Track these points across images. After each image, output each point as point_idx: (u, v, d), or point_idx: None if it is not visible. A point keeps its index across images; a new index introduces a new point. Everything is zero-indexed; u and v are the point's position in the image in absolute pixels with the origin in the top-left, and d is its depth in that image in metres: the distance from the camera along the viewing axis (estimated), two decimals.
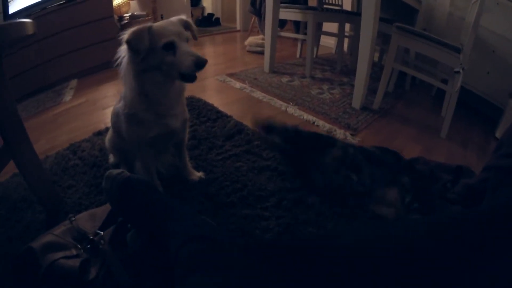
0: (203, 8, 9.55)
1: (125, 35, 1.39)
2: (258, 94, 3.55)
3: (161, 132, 1.62)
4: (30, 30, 1.37)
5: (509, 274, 0.77)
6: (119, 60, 1.51)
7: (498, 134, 3.15)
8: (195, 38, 1.57)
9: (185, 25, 1.53)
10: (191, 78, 1.45)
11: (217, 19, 9.16)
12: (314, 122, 2.92)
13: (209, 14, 9.27)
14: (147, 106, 1.55)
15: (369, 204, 1.72)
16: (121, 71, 1.53)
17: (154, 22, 3.28)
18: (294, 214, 1.72)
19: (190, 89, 3.43)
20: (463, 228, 0.91)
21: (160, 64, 1.43)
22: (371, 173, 1.79)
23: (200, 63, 1.39)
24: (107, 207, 1.56)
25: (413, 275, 0.86)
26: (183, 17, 1.55)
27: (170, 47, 1.40)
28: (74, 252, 1.31)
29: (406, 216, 1.66)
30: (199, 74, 1.45)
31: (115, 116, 1.75)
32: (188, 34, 1.49)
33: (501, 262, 0.79)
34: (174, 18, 1.52)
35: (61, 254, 1.28)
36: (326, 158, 1.89)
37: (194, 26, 1.58)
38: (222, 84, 3.89)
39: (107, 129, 2.47)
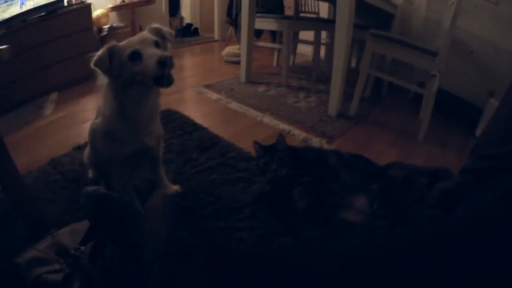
0: (181, 18, 9.52)
1: (92, 59, 1.42)
2: (234, 105, 3.59)
3: (136, 149, 1.65)
4: (6, 57, 1.43)
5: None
6: (99, 81, 1.54)
7: (478, 133, 3.21)
8: (169, 40, 1.62)
9: (157, 32, 1.56)
10: (164, 81, 1.44)
11: (196, 29, 9.17)
12: (290, 131, 2.97)
13: (187, 24, 9.26)
14: (123, 124, 1.57)
15: (339, 212, 1.76)
16: (103, 90, 1.56)
17: (133, 34, 3.33)
18: (268, 224, 1.77)
19: (167, 102, 3.45)
20: (433, 242, 0.95)
21: (134, 76, 1.44)
22: (344, 180, 1.84)
23: (163, 60, 1.37)
24: (87, 222, 1.58)
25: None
26: (153, 25, 1.58)
27: (136, 56, 1.41)
28: (57, 266, 1.35)
29: (373, 224, 1.68)
30: (178, 86, 1.49)
31: (92, 132, 1.78)
32: (157, 39, 1.50)
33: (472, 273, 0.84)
34: (144, 31, 1.56)
35: (44, 269, 1.32)
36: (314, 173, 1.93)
37: (165, 30, 1.60)
38: (199, 96, 3.92)
39: (86, 143, 2.48)
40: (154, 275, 1.11)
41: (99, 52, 1.42)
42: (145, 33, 1.53)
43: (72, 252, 1.41)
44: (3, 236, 1.70)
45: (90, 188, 1.48)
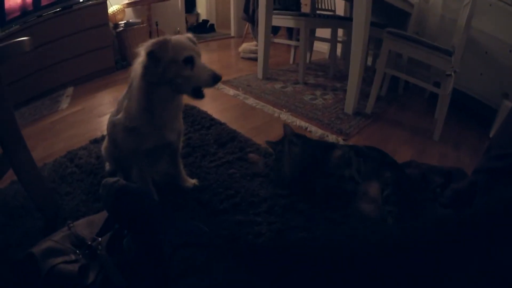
0: (197, 15, 9.57)
1: (145, 46, 1.43)
2: (251, 101, 3.58)
3: (157, 144, 1.66)
4: (27, 48, 1.42)
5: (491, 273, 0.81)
6: (132, 75, 1.54)
7: (491, 134, 3.16)
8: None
9: (193, 42, 1.56)
10: (201, 95, 1.52)
11: (212, 25, 9.16)
12: (306, 128, 2.96)
13: (203, 20, 9.27)
14: (148, 121, 1.57)
15: (353, 201, 1.75)
16: (132, 85, 1.55)
17: (149, 30, 3.29)
18: (285, 219, 1.75)
19: (185, 97, 3.39)
20: (446, 228, 0.94)
21: (175, 78, 1.46)
22: (358, 168, 1.82)
23: (217, 78, 1.47)
24: (104, 214, 1.59)
25: (396, 273, 0.89)
26: (190, 35, 1.59)
27: (189, 61, 1.44)
28: (73, 257, 1.35)
29: (384, 210, 1.68)
30: None
31: (112, 125, 1.78)
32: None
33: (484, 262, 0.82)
34: (183, 36, 1.55)
35: (60, 259, 1.31)
36: (328, 162, 1.91)
37: (197, 43, 1.60)
38: (216, 92, 3.90)
39: (103, 137, 2.51)
40: (172, 265, 1.09)
41: (159, 40, 1.43)
42: (187, 40, 1.54)
43: (89, 243, 1.41)
44: (18, 227, 1.70)
45: (110, 180, 1.49)
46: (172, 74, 1.45)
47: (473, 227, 0.90)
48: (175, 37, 1.47)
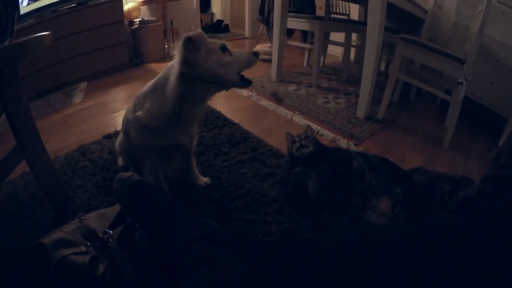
0: (212, 15, 9.57)
1: (181, 40, 1.40)
2: (264, 102, 3.59)
3: (169, 144, 1.65)
4: (48, 42, 1.44)
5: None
6: (161, 77, 1.56)
7: (500, 143, 3.16)
8: None
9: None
10: (249, 81, 1.51)
11: (226, 25, 9.18)
12: (318, 131, 2.96)
13: (218, 20, 9.29)
14: (169, 124, 1.57)
15: (363, 213, 1.75)
16: (161, 87, 1.54)
17: (164, 28, 3.31)
18: (295, 220, 1.76)
19: None
20: (451, 230, 0.93)
21: (217, 69, 1.44)
22: (369, 182, 1.82)
23: (256, 53, 1.49)
24: (115, 208, 1.61)
25: (403, 271, 0.89)
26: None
27: (225, 48, 1.45)
28: (83, 249, 1.36)
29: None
30: None
31: (126, 121, 1.79)
32: None
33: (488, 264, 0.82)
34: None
35: (70, 250, 1.33)
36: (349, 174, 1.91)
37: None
38: (230, 92, 3.83)
39: (116, 132, 2.55)
40: (184, 260, 1.10)
41: (192, 32, 1.42)
42: None
43: (100, 235, 1.42)
44: (28, 218, 1.71)
45: (125, 174, 1.51)
46: (213, 64, 1.43)
47: (478, 231, 0.90)
48: (194, 32, 1.44)
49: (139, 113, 1.62)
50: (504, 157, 1.56)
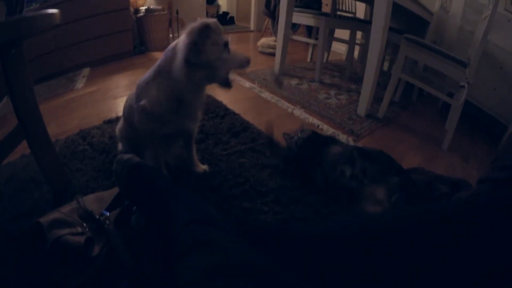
0: (218, 6, 9.59)
1: (190, 28, 1.45)
2: (266, 95, 3.61)
3: (176, 130, 1.68)
4: (57, 20, 1.45)
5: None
6: (163, 61, 1.56)
7: (499, 146, 3.14)
8: None
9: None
10: (230, 84, 1.55)
11: (232, 18, 9.22)
12: (318, 126, 2.98)
13: (224, 12, 9.34)
14: (174, 110, 1.59)
15: (359, 201, 1.77)
16: (164, 72, 1.55)
17: (169, 17, 3.30)
18: (291, 211, 1.78)
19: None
20: (441, 214, 0.97)
21: (216, 60, 1.48)
22: (363, 168, 1.83)
23: (249, 60, 1.56)
24: (113, 191, 1.63)
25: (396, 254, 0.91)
26: (216, 21, 1.55)
27: (227, 45, 1.49)
28: (79, 229, 1.38)
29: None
30: None
31: (129, 108, 1.80)
32: None
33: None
34: (214, 20, 1.55)
35: (67, 230, 1.34)
36: (327, 154, 1.94)
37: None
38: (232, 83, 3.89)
39: (117, 118, 2.55)
40: (179, 242, 1.11)
41: (202, 23, 1.45)
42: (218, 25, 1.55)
43: (97, 217, 1.44)
44: (27, 199, 1.72)
45: (125, 156, 1.54)
46: (214, 56, 1.47)
47: (469, 216, 0.93)
48: (211, 20, 1.49)
49: (144, 101, 1.62)
50: (501, 159, 1.56)
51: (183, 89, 1.54)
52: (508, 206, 0.91)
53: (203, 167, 2.05)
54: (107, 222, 1.42)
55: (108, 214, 1.47)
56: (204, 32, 1.43)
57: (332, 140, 2.12)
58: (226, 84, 1.54)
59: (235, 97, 3.45)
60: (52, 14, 1.41)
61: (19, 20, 1.27)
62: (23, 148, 1.62)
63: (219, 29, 1.48)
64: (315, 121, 3.06)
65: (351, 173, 1.83)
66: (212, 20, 1.47)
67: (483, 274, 0.81)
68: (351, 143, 2.69)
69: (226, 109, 2.97)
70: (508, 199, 0.95)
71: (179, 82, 1.52)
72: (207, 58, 1.46)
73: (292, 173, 2.07)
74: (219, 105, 3.04)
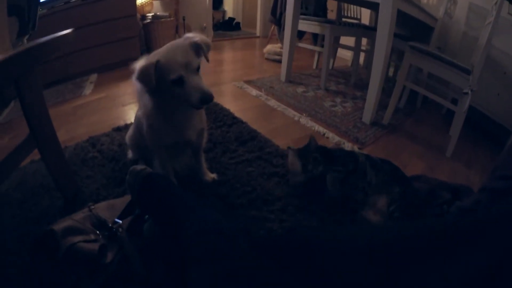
0: (224, 12, 9.63)
1: (136, 70, 1.43)
2: (273, 103, 3.62)
3: (176, 140, 1.70)
4: (72, 39, 1.48)
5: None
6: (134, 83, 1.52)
7: (499, 156, 3.14)
8: (207, 59, 1.58)
9: (196, 46, 1.53)
10: (198, 108, 1.52)
11: (238, 23, 9.24)
12: (324, 134, 2.99)
13: (230, 18, 9.36)
14: (163, 120, 1.62)
15: (362, 210, 1.79)
16: (137, 90, 1.59)
17: (176, 24, 3.33)
18: (297, 219, 1.80)
19: None
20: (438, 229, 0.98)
21: (173, 95, 1.46)
22: (370, 180, 1.86)
23: (206, 99, 1.42)
24: (125, 199, 1.66)
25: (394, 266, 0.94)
26: (195, 38, 1.53)
27: (179, 81, 1.42)
28: (92, 237, 1.40)
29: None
30: (219, 79, 1.51)
31: (138, 119, 1.85)
32: (197, 60, 1.50)
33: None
34: (183, 41, 1.53)
35: (80, 238, 1.37)
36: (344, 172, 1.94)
37: (205, 47, 1.56)
38: (239, 90, 3.97)
39: (126, 126, 2.60)
40: (191, 249, 1.14)
41: (144, 66, 1.42)
42: (184, 47, 1.49)
43: (110, 225, 1.46)
44: (37, 205, 1.75)
45: (138, 167, 1.57)
46: (165, 91, 1.46)
47: (456, 235, 0.94)
48: (165, 55, 1.45)
49: (140, 112, 1.72)
50: (501, 169, 1.58)
51: (163, 108, 1.58)
52: (503, 219, 0.93)
53: (212, 175, 2.07)
54: (120, 230, 1.45)
55: (121, 222, 1.50)
56: (141, 80, 1.43)
57: (340, 151, 2.13)
58: (196, 108, 1.53)
59: (242, 105, 3.48)
60: (67, 34, 1.46)
61: (34, 48, 1.30)
62: (32, 153, 1.62)
63: (167, 66, 1.42)
64: (321, 129, 3.07)
65: (361, 184, 1.85)
66: (156, 59, 1.42)
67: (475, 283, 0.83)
68: (356, 151, 2.68)
69: (234, 117, 3.00)
70: (504, 212, 0.97)
71: (152, 109, 1.59)
72: (161, 91, 1.47)
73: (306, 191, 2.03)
74: (226, 113, 3.06)
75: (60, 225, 1.40)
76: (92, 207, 1.55)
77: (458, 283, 0.84)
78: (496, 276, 0.81)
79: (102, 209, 1.58)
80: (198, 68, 1.49)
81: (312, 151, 2.03)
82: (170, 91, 1.45)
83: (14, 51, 1.19)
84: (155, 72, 1.40)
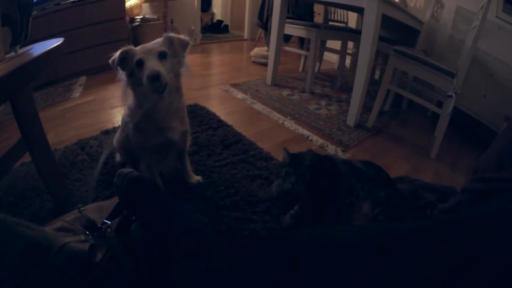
0: (212, 14, 9.62)
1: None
2: (258, 106, 3.66)
3: (161, 141, 1.75)
4: (64, 51, 1.56)
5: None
6: (119, 76, 1.67)
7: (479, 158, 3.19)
8: (181, 50, 1.68)
9: (169, 41, 1.64)
10: (154, 90, 1.53)
11: (226, 26, 9.22)
12: (308, 137, 3.03)
13: (218, 20, 9.33)
14: (145, 118, 1.68)
15: (348, 214, 1.82)
16: (122, 84, 1.67)
17: (165, 26, 3.40)
18: (279, 220, 1.85)
19: (195, 96, 3.58)
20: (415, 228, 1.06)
21: (140, 79, 1.54)
22: (357, 192, 1.87)
23: (150, 76, 1.47)
24: (113, 201, 1.71)
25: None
26: (168, 34, 1.65)
27: (140, 64, 1.53)
28: (82, 237, 1.45)
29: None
30: (206, 82, 1.56)
31: (124, 121, 1.91)
32: (165, 49, 1.59)
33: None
34: (160, 38, 1.65)
35: (71, 238, 1.41)
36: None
37: (176, 38, 1.66)
38: (225, 94, 4.00)
39: (114, 129, 2.65)
40: (175, 250, 1.21)
41: (117, 53, 1.57)
42: (157, 41, 1.64)
43: (99, 226, 1.51)
44: (28, 208, 1.80)
45: (125, 170, 1.62)
46: (136, 76, 1.56)
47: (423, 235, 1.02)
48: (140, 46, 1.60)
49: (125, 114, 1.81)
50: (481, 171, 1.64)
51: (139, 98, 1.67)
52: (482, 221, 0.99)
53: (197, 178, 2.13)
54: (109, 230, 1.49)
55: (109, 223, 1.54)
56: (114, 56, 1.57)
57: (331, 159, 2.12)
58: (153, 91, 1.54)
59: (228, 108, 3.52)
60: (61, 45, 1.53)
61: (30, 63, 1.36)
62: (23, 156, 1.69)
63: (136, 51, 1.56)
64: (305, 132, 3.12)
65: (349, 201, 1.88)
66: (129, 47, 1.58)
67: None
68: (339, 153, 2.77)
69: (219, 120, 3.04)
70: (484, 214, 1.03)
71: (133, 97, 1.70)
72: (136, 79, 1.57)
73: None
74: (212, 117, 3.10)
75: (52, 226, 1.46)
76: (82, 208, 1.59)
77: (417, 281, 0.91)
78: (454, 277, 0.87)
79: (92, 210, 1.63)
80: (163, 55, 1.58)
81: (303, 165, 1.97)
82: (138, 76, 1.55)
83: (8, 69, 1.24)
84: (127, 57, 1.57)
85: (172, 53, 1.64)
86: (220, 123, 2.98)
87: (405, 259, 0.96)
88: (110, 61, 1.58)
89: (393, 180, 2.06)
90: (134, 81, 1.60)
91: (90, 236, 1.47)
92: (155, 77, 1.48)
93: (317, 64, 5.54)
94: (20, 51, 1.58)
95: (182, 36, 1.69)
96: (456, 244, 0.93)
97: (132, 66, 1.55)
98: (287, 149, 2.02)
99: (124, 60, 1.57)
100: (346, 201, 1.86)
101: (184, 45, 1.69)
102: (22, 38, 1.57)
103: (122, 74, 1.64)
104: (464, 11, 4.18)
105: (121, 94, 1.67)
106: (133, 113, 1.72)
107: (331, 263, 1.05)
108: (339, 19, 5.49)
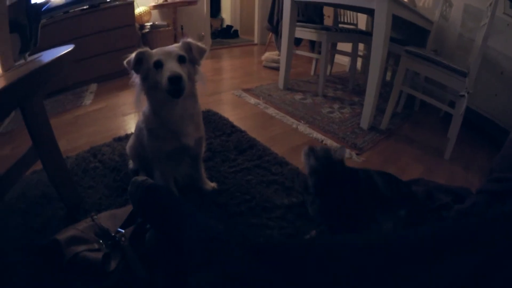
0: (222, 20, 9.65)
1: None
2: (271, 111, 3.64)
3: (175, 147, 1.72)
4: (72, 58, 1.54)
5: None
6: (131, 79, 1.66)
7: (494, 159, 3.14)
8: (196, 56, 1.67)
9: (187, 47, 1.64)
10: (172, 93, 1.50)
11: (236, 31, 9.23)
12: (322, 141, 3.00)
13: (228, 26, 9.36)
14: (160, 123, 1.66)
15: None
16: (136, 89, 1.65)
17: (174, 33, 3.37)
18: (296, 226, 1.82)
19: (207, 102, 3.56)
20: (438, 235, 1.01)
21: (156, 82, 1.53)
22: (374, 210, 1.82)
23: (171, 78, 1.45)
24: (127, 209, 1.69)
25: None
26: (187, 40, 1.65)
27: (159, 65, 1.50)
28: (96, 246, 1.44)
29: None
30: (218, 88, 1.53)
31: (138, 128, 1.89)
32: (184, 54, 1.58)
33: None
34: (178, 43, 1.65)
35: (84, 247, 1.40)
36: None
37: (195, 45, 1.66)
38: (238, 99, 3.98)
39: (127, 136, 2.63)
40: (191, 257, 1.18)
41: (132, 54, 1.55)
42: (176, 45, 1.62)
43: (113, 234, 1.50)
44: (39, 215, 1.77)
45: (139, 178, 1.59)
46: (152, 79, 1.54)
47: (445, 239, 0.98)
48: (156, 49, 1.58)
49: (140, 120, 1.79)
50: (497, 171, 1.60)
51: (153, 103, 1.64)
52: (499, 222, 0.95)
53: (212, 184, 2.10)
54: (123, 239, 1.48)
55: (123, 231, 1.53)
56: (129, 57, 1.57)
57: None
58: (168, 93, 1.51)
59: (241, 114, 3.50)
60: (71, 50, 1.51)
61: (39, 69, 1.34)
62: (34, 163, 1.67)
63: (153, 53, 1.55)
64: (319, 136, 3.09)
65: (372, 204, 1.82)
66: (146, 49, 1.56)
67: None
68: (354, 157, 2.74)
69: (233, 126, 3.02)
70: (499, 215, 1.00)
71: (148, 103, 1.67)
72: (151, 82, 1.55)
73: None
74: (225, 122, 3.08)
75: (64, 235, 1.44)
76: (95, 217, 1.58)
77: (447, 284, 0.87)
78: (484, 278, 0.84)
79: (105, 218, 1.61)
80: (182, 59, 1.56)
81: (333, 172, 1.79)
82: (154, 78, 1.53)
83: (17, 76, 1.22)
84: (142, 58, 1.56)
85: (190, 58, 1.63)
86: (234, 129, 2.97)
87: (441, 263, 0.92)
88: (125, 62, 1.58)
89: (411, 191, 1.99)
90: (148, 85, 1.57)
91: (103, 245, 1.46)
92: (177, 79, 1.45)
93: (329, 67, 5.48)
94: (30, 58, 1.56)
95: (200, 43, 1.69)
96: (490, 245, 0.89)
97: (147, 69, 1.54)
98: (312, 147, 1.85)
99: (139, 62, 1.56)
100: (364, 220, 1.79)
101: (201, 52, 1.68)
102: (32, 45, 1.56)
103: (136, 78, 1.62)
104: (473, 8, 4.14)
105: (135, 99, 1.65)
106: (148, 118, 1.70)
107: (365, 270, 1.02)
108: (349, 21, 5.44)
